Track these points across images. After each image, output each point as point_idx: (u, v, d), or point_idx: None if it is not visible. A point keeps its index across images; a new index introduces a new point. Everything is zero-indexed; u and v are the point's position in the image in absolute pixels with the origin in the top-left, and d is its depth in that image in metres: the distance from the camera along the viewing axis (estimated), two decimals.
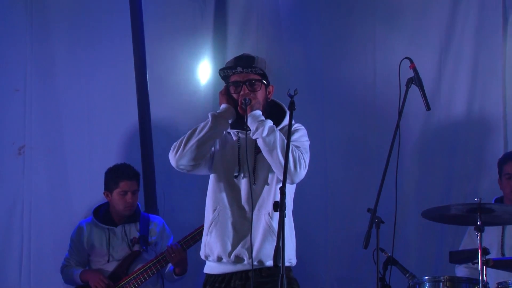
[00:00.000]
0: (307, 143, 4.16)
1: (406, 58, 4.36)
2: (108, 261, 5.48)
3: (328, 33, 6.09)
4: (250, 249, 3.99)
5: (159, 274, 5.55)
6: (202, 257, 4.19)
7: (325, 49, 6.08)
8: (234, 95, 4.14)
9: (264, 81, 4.15)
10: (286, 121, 4.16)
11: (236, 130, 4.16)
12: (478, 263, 4.45)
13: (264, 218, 4.04)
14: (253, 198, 4.05)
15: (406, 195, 5.62)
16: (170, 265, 5.48)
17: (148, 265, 5.39)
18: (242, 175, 4.10)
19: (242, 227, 4.05)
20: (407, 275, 4.82)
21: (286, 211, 3.71)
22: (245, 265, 4.05)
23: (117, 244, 5.49)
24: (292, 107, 3.95)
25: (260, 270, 4.04)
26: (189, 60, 6.23)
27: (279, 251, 3.56)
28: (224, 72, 4.17)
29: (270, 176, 4.08)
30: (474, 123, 5.81)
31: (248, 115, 4.04)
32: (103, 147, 6.15)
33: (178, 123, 6.11)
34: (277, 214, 3.84)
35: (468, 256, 4.78)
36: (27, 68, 6.20)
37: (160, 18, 6.26)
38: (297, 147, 4.06)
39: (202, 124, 4.11)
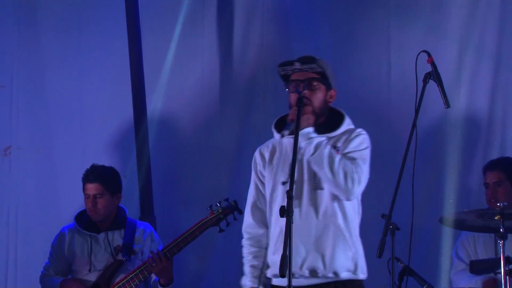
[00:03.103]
0: (366, 152, 4.21)
1: (424, 51, 4.33)
2: (90, 270, 5.45)
3: (338, 26, 6.09)
4: (322, 260, 4.06)
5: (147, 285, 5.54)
6: (270, 276, 4.20)
7: (335, 43, 6.07)
8: (291, 95, 4.17)
9: (324, 82, 4.20)
10: (342, 128, 4.25)
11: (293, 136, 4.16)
12: (501, 273, 4.44)
13: (330, 224, 4.11)
14: (318, 204, 4.12)
15: (424, 200, 5.54)
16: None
17: (131, 275, 5.33)
18: (304, 182, 4.13)
19: (309, 238, 4.10)
20: (424, 287, 4.82)
21: (349, 220, 4.01)
22: (319, 278, 4.09)
23: (100, 252, 5.47)
24: (300, 104, 4.01)
25: (335, 284, 4.10)
26: (190, 53, 6.22)
27: (286, 260, 3.61)
28: (284, 70, 4.21)
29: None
30: (496, 121, 5.80)
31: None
32: (96, 147, 6.17)
33: (178, 122, 6.15)
34: (350, 219, 4.13)
35: (490, 266, 4.77)
36: (14, 63, 6.26)
37: (158, 8, 6.25)
38: (352, 159, 4.12)
39: None
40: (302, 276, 4.08)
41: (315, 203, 4.13)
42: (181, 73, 6.23)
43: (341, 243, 4.11)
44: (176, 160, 6.20)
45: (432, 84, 4.32)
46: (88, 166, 5.58)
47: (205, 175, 6.12)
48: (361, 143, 4.22)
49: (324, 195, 4.13)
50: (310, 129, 4.11)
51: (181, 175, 6.18)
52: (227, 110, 6.23)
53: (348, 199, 4.13)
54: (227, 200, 5.24)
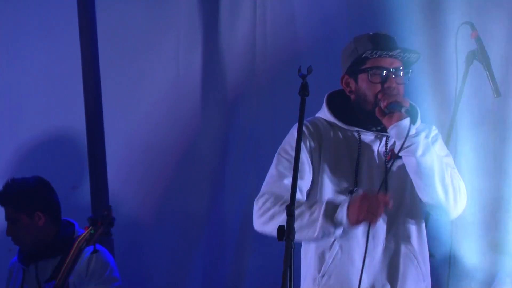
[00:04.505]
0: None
1: (466, 23, 4.32)
2: None
3: None
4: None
5: None
6: None
7: (351, 14, 5.97)
8: (370, 84, 4.20)
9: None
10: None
11: (358, 129, 4.19)
12: None
13: (402, 246, 4.17)
14: (388, 220, 4.19)
15: (466, 214, 5.36)
16: None
17: None
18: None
19: (374, 262, 4.16)
20: None
21: (423, 242, 4.15)
22: None
23: None
24: (304, 91, 3.95)
25: None
26: (160, 29, 6.18)
27: None
28: (373, 54, 4.18)
29: (406, 192, 4.17)
30: None
31: (393, 125, 4.10)
32: (36, 150, 6.18)
33: (142, 120, 6.13)
34: (424, 240, 4.24)
35: None
36: None
37: None
38: (450, 166, 4.14)
39: (308, 217, 4.00)
40: None
41: (383, 219, 4.14)
42: (149, 56, 6.17)
43: (413, 271, 4.15)
44: (140, 168, 6.15)
45: (476, 65, 4.32)
46: (27, 174, 5.45)
47: (178, 189, 6.12)
48: (443, 145, 4.21)
49: (398, 209, 4.15)
50: (409, 121, 4.09)
51: (147, 187, 6.17)
52: (209, 106, 6.23)
53: (450, 218, 4.20)
54: (107, 208, 5.00)
